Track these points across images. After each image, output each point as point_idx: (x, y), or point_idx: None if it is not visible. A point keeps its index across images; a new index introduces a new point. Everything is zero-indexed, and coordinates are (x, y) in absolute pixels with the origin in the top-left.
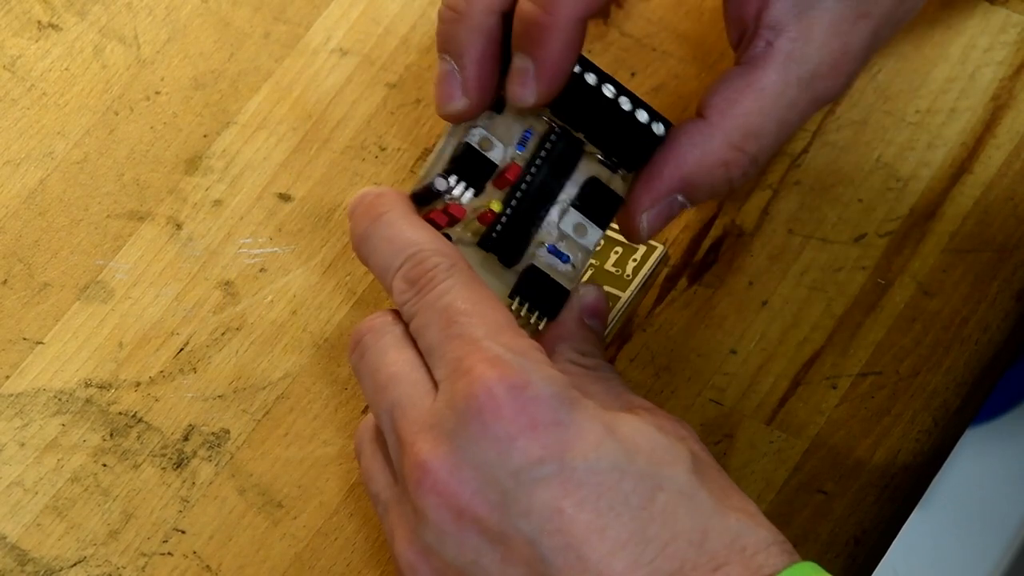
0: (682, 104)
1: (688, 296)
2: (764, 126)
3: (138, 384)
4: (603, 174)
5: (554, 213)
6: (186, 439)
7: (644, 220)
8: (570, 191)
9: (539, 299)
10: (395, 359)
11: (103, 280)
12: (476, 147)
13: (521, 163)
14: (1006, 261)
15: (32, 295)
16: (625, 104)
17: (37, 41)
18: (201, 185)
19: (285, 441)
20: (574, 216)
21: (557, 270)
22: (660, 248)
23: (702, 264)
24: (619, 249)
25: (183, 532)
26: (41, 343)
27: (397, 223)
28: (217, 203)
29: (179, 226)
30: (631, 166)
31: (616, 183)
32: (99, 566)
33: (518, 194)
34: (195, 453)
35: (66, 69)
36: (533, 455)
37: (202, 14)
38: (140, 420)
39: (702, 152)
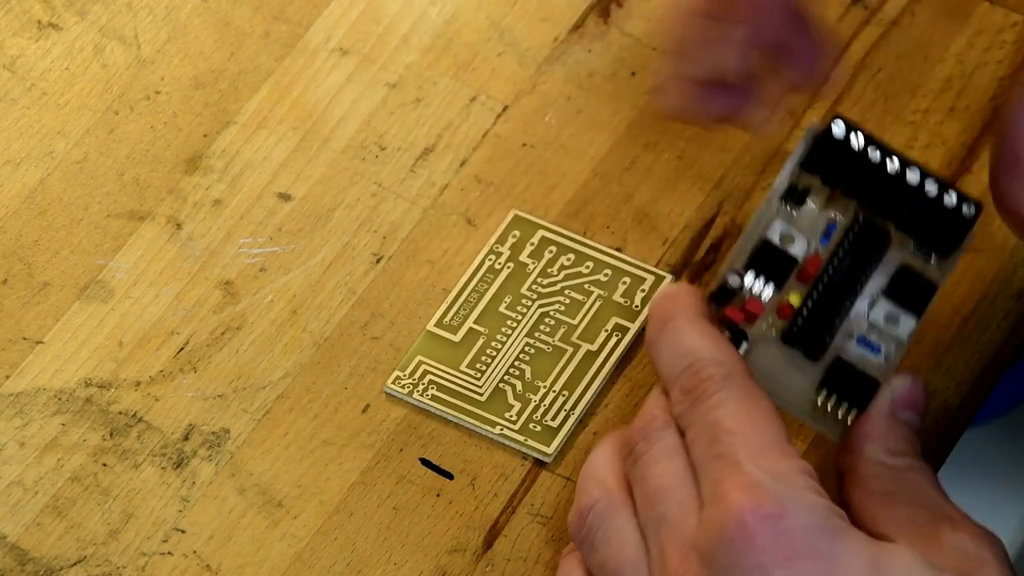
0: None
1: None
2: None
3: (138, 384)
4: (915, 262)
5: (863, 304)
6: (186, 439)
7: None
8: (879, 281)
9: (847, 392)
10: (664, 470)
11: (103, 280)
12: (774, 242)
13: (824, 255)
14: (1006, 261)
15: (32, 295)
16: (931, 189)
17: (37, 41)
18: (201, 185)
19: (285, 441)
20: (885, 306)
21: (868, 362)
22: (669, 278)
23: (702, 264)
24: (627, 280)
25: (183, 532)
26: (41, 343)
27: (681, 330)
28: (217, 203)
29: (179, 226)
30: (944, 253)
31: (930, 271)
32: (99, 566)
33: (819, 286)
34: (195, 453)
35: (66, 69)
36: None
37: (202, 14)
38: (140, 420)
39: None
